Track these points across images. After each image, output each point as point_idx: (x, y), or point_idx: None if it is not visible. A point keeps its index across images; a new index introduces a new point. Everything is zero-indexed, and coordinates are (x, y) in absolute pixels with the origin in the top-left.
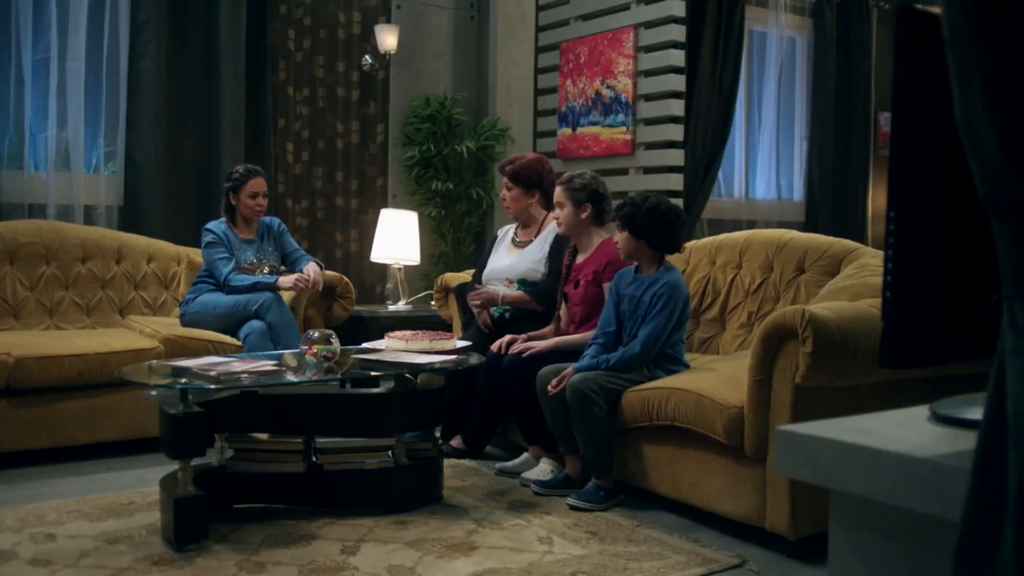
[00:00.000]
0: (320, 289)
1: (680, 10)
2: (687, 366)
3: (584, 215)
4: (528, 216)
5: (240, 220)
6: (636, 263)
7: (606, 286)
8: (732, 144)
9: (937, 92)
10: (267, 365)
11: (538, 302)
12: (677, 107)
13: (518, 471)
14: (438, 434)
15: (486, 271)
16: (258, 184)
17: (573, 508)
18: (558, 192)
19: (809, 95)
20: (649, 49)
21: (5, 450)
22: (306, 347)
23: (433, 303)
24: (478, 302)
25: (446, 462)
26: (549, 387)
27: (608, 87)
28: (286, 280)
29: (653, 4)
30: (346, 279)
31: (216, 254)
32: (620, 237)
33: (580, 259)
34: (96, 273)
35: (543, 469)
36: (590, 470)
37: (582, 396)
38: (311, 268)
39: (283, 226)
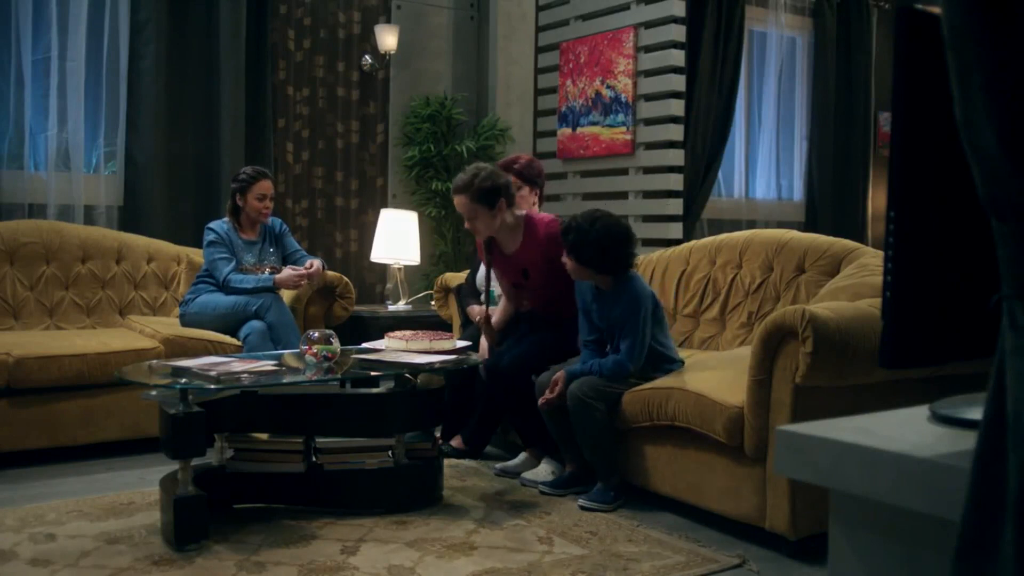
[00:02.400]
0: (324, 273)
1: (680, 10)
2: (681, 362)
3: (503, 212)
4: None
5: (245, 221)
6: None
7: (565, 260)
8: (732, 144)
9: (937, 92)
10: (267, 365)
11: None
12: (677, 107)
13: (518, 471)
14: (438, 434)
15: (479, 274)
16: (266, 187)
17: (584, 509)
18: (464, 203)
19: (809, 95)
20: (649, 49)
21: (5, 450)
22: (306, 347)
23: (433, 303)
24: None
25: (446, 462)
26: (541, 400)
27: (608, 87)
28: (285, 280)
29: (653, 4)
30: (346, 279)
31: (217, 253)
32: (568, 263)
33: (511, 248)
34: (96, 273)
35: (545, 470)
36: (597, 472)
37: (581, 402)
38: (314, 261)
39: (285, 227)
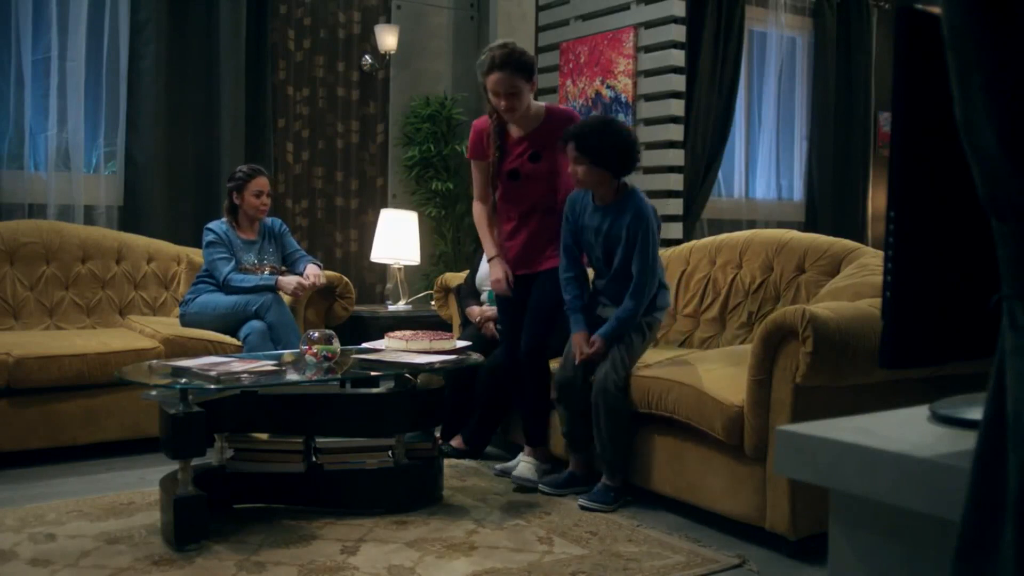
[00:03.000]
0: (321, 283)
1: (680, 10)
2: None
3: (534, 89)
4: None
5: (243, 219)
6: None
7: (575, 168)
8: (732, 144)
9: (937, 92)
10: (267, 365)
11: None
12: (677, 107)
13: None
14: (438, 434)
15: (479, 275)
16: (262, 183)
17: (584, 509)
18: (504, 79)
19: (809, 95)
20: (649, 49)
21: (5, 450)
22: (306, 347)
23: (433, 303)
24: (490, 326)
25: (446, 462)
26: (581, 353)
27: (608, 87)
28: (287, 284)
29: (653, 4)
30: (346, 279)
31: (216, 253)
32: (580, 169)
33: (526, 130)
34: (96, 273)
35: (528, 467)
36: (604, 469)
37: (609, 395)
38: (311, 270)
39: (284, 227)
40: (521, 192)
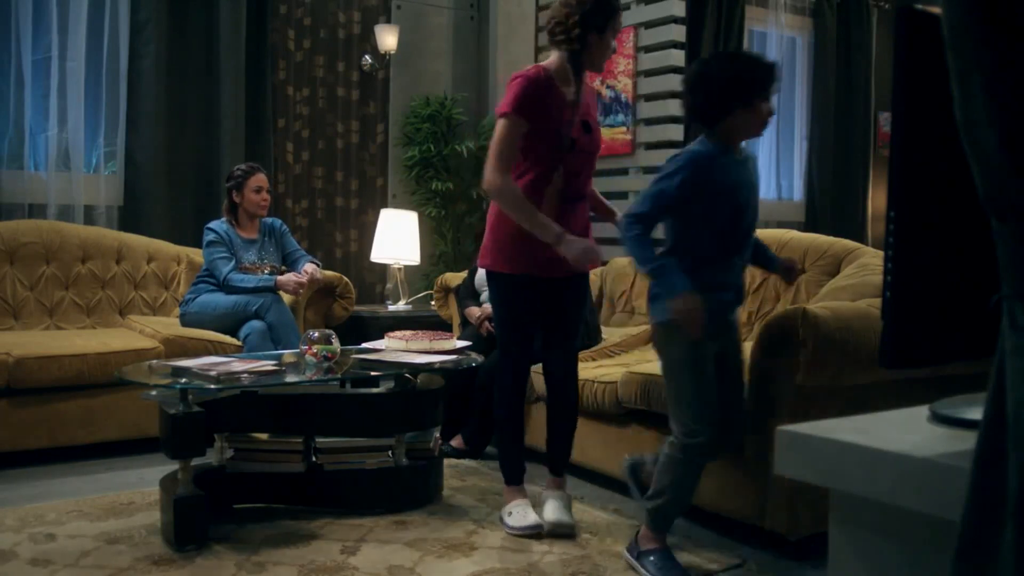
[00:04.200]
0: (320, 278)
1: (680, 10)
2: None
3: None
4: None
5: (244, 218)
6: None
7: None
8: None
9: (937, 92)
10: (267, 365)
11: None
12: (677, 107)
13: (564, 520)
14: (438, 434)
15: (478, 275)
16: (261, 179)
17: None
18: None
19: (809, 95)
20: (649, 49)
21: (5, 450)
22: (306, 347)
23: (433, 303)
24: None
25: (446, 462)
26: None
27: (608, 87)
28: (286, 283)
29: (653, 4)
30: (346, 279)
31: (216, 253)
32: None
33: (573, 96)
34: (96, 273)
35: (558, 506)
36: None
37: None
38: (308, 267)
39: (284, 227)
40: (567, 167)
